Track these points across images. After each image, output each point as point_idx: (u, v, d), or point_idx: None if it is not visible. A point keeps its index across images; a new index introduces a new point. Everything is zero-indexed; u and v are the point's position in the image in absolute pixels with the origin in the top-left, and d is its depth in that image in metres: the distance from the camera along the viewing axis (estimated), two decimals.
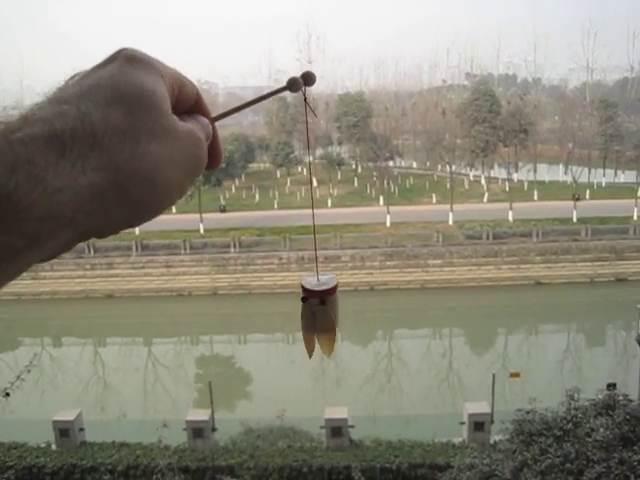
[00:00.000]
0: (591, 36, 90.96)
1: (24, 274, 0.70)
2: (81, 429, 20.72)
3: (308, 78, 0.92)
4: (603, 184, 69.42)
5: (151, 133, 0.78)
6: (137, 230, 51.53)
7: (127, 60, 0.81)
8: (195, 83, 0.89)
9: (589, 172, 66.95)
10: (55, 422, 20.39)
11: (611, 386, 18.09)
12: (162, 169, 0.80)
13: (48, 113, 0.73)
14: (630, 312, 25.77)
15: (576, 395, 15.62)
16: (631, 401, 15.19)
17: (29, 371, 12.23)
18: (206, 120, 0.91)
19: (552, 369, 32.85)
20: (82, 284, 46.32)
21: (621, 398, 15.27)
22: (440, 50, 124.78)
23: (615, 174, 74.31)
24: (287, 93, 0.89)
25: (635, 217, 51.41)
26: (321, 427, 20.07)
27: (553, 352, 36.57)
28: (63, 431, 20.30)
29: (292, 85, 0.93)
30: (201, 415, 20.99)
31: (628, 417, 13.99)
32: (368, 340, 40.92)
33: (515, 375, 24.81)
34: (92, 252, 47.65)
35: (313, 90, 72.15)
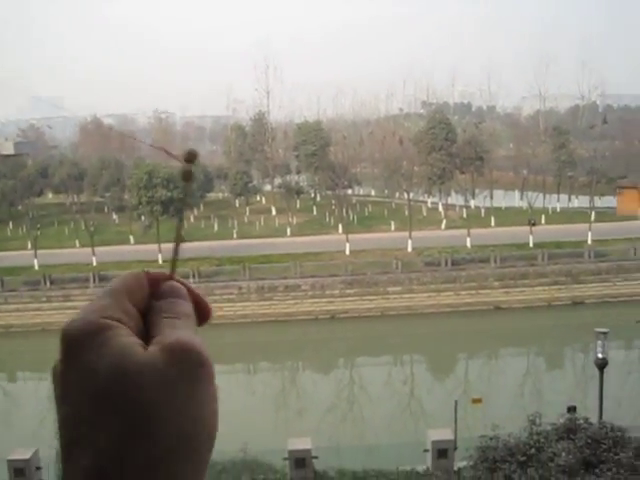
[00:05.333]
0: (543, 66, 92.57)
1: None
2: (38, 468, 20.00)
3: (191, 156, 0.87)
4: (558, 209, 70.55)
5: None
6: (94, 261, 50.80)
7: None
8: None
9: (544, 198, 68.02)
10: (10, 461, 19.63)
11: (571, 409, 18.21)
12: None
13: None
14: (588, 335, 26.05)
15: (538, 420, 15.69)
16: (591, 424, 15.31)
17: None
18: (172, 285, 0.87)
19: (513, 393, 33.01)
20: (38, 317, 45.27)
21: (581, 422, 15.40)
22: (397, 80, 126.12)
23: (569, 199, 75.65)
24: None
25: (589, 241, 52.24)
26: (284, 459, 19.81)
27: (514, 376, 36.78)
28: (18, 470, 19.55)
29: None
30: None
31: (589, 441, 14.10)
32: (330, 369, 40.73)
33: (477, 401, 24.80)
34: (48, 284, 46.71)
35: (271, 119, 72.23)
